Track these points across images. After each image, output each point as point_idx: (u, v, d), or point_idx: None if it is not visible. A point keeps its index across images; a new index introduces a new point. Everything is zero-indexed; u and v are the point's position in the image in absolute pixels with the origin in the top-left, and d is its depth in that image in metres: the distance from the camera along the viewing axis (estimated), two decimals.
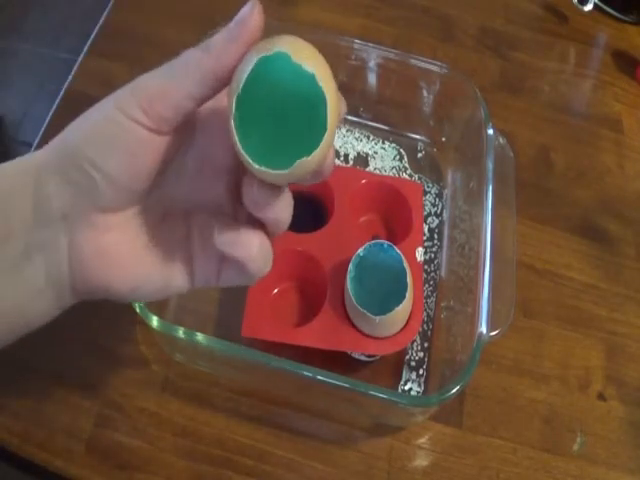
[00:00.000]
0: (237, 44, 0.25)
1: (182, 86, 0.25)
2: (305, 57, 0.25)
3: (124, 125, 0.25)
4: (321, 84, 0.24)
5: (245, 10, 0.25)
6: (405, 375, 0.47)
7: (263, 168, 0.24)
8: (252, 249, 0.27)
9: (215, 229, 0.27)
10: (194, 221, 0.30)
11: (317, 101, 0.24)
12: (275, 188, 0.27)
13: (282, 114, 0.26)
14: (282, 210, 0.27)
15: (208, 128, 0.29)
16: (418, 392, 0.47)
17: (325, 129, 0.24)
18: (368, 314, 0.42)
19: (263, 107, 0.25)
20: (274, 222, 0.28)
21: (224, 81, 0.25)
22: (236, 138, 0.25)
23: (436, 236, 0.54)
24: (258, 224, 0.28)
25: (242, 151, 0.25)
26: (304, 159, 0.24)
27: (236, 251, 0.27)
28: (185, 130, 0.28)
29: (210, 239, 0.27)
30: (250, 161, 0.25)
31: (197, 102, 0.26)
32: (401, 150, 0.59)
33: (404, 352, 0.48)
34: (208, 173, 0.29)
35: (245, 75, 0.24)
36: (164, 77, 0.26)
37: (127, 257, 0.28)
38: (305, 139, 0.25)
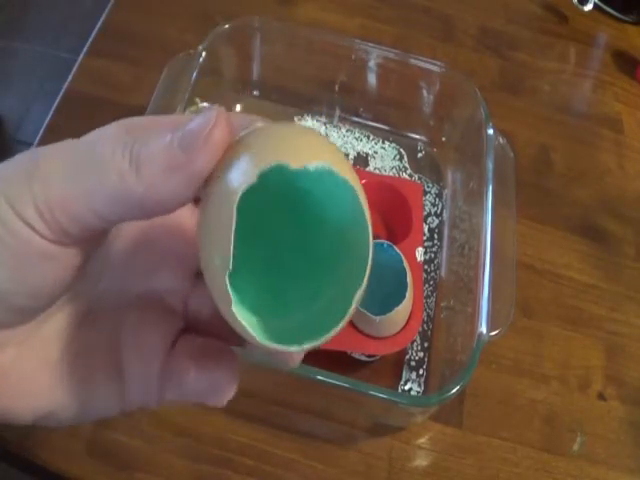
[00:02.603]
0: (182, 177, 0.17)
1: (89, 201, 0.17)
2: (344, 168, 0.17)
3: (13, 229, 0.17)
4: (364, 206, 0.17)
5: (201, 122, 0.17)
6: (405, 375, 0.47)
7: (269, 343, 0.17)
8: (230, 392, 0.21)
9: (191, 369, 0.21)
10: (126, 319, 0.22)
11: (353, 237, 0.17)
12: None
13: (291, 250, 0.18)
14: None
15: None
16: (418, 392, 0.47)
17: (362, 279, 0.17)
18: (368, 314, 0.42)
19: (262, 239, 0.18)
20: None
21: (157, 212, 0.18)
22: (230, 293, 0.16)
23: (436, 236, 0.54)
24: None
25: (236, 315, 0.17)
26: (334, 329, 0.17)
27: (213, 398, 0.21)
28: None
29: (148, 348, 0.21)
30: (251, 331, 0.17)
31: (111, 223, 0.18)
32: (401, 150, 0.59)
33: (404, 352, 0.48)
34: (148, 257, 0.22)
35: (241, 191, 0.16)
36: (71, 179, 0.17)
37: (30, 378, 0.20)
38: (329, 296, 0.17)
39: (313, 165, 0.16)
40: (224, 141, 0.17)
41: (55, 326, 0.20)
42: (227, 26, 0.52)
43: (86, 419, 0.22)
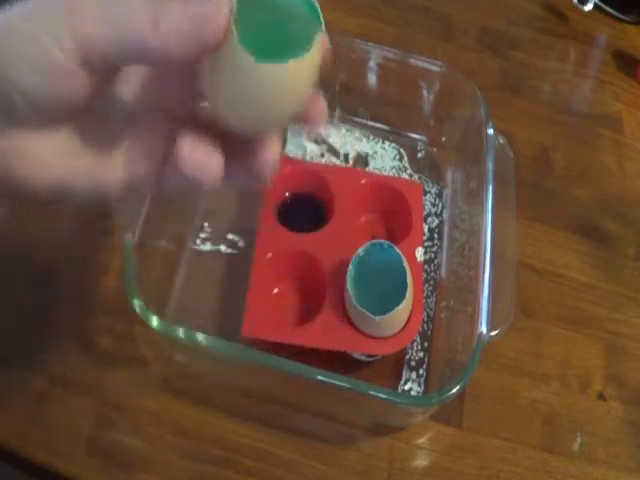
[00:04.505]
0: (194, 47, 0.22)
1: (115, 43, 0.22)
2: None
3: (54, 57, 0.22)
4: None
5: (211, 8, 0.22)
6: (405, 375, 0.47)
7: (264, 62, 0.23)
8: (217, 174, 0.25)
9: (183, 145, 0.25)
10: (138, 120, 0.27)
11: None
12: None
13: (275, 14, 0.24)
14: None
15: None
16: (418, 392, 0.47)
17: (319, 23, 0.24)
18: (368, 314, 0.42)
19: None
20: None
21: (164, 63, 0.24)
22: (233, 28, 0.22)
23: (436, 236, 0.54)
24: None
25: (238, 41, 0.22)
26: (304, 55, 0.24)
27: (200, 175, 0.25)
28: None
29: (155, 140, 0.26)
30: (246, 51, 0.22)
31: (127, 62, 0.24)
32: (401, 150, 0.59)
33: (404, 352, 0.48)
34: (158, 76, 0.27)
35: None
36: (103, 23, 0.22)
37: (52, 158, 0.25)
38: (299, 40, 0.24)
39: None
40: (225, 24, 0.22)
41: (73, 127, 0.25)
42: None
43: (96, 194, 0.27)
